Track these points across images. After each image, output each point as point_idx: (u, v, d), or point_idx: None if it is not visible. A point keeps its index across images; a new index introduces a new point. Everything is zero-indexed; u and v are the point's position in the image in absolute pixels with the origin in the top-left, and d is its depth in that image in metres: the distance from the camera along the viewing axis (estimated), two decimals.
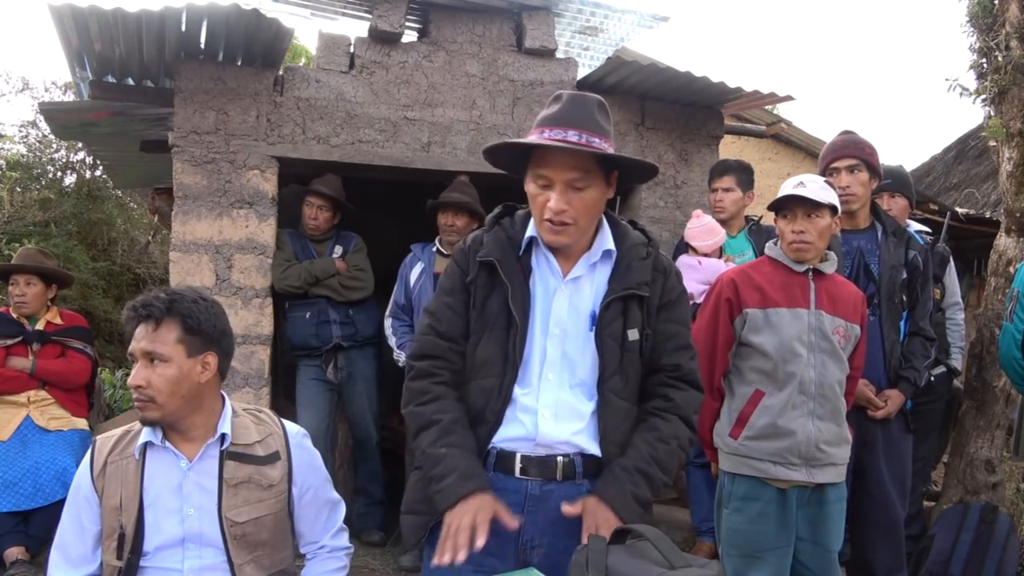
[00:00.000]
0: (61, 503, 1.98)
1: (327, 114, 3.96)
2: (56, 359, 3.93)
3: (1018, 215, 3.70)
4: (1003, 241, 3.81)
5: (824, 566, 2.49)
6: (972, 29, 3.85)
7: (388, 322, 3.97)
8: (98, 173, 9.54)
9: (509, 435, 1.75)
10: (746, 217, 3.94)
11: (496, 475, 1.75)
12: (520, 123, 4.17)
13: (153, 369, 1.79)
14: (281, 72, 3.95)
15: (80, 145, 8.74)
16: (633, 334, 1.77)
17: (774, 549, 2.43)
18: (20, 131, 9.79)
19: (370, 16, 4.04)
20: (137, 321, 1.82)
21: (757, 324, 2.45)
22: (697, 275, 3.59)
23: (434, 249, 3.95)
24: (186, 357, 1.82)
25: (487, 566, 1.69)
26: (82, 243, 9.06)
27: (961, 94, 3.94)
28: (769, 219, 3.26)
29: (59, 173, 9.73)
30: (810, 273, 2.49)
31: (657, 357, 1.81)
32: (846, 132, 3.05)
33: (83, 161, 9.65)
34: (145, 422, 1.85)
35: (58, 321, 4.02)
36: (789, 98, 4.43)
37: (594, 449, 1.76)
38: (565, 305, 1.78)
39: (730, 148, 6.95)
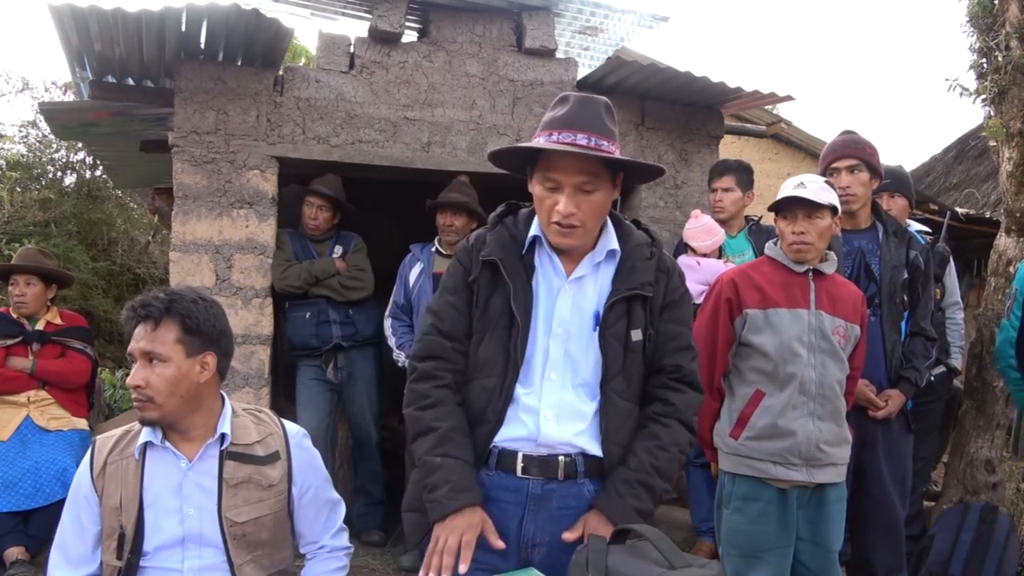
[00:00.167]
0: (61, 503, 1.98)
1: (327, 114, 3.96)
2: (56, 359, 3.93)
3: (1018, 215, 3.70)
4: (1003, 241, 3.81)
5: (824, 566, 2.49)
6: (972, 29, 3.85)
7: (388, 322, 3.97)
8: (98, 173, 9.54)
9: (511, 435, 1.75)
10: (746, 217, 3.94)
11: (497, 474, 1.76)
12: (520, 123, 4.17)
13: (152, 369, 1.79)
14: (281, 72, 3.95)
15: (80, 145, 8.74)
16: (636, 334, 1.77)
17: (774, 549, 2.43)
18: (20, 131, 9.80)
19: (370, 16, 4.04)
20: (136, 321, 1.82)
21: (757, 324, 2.45)
22: (696, 275, 3.58)
23: (433, 249, 3.95)
24: (185, 357, 1.81)
25: (488, 565, 1.70)
26: (82, 243, 9.06)
27: (961, 94, 3.94)
28: (769, 219, 3.26)
29: (59, 173, 9.73)
30: (810, 273, 2.49)
31: (659, 357, 1.81)
32: (847, 132, 3.05)
33: (83, 161, 9.66)
34: (144, 422, 1.85)
35: (58, 321, 4.02)
36: (789, 98, 4.43)
37: (596, 450, 1.76)
38: (568, 305, 1.78)
39: (730, 148, 6.95)
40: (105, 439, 1.93)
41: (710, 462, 2.74)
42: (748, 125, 6.56)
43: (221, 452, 1.89)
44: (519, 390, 1.75)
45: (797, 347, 2.42)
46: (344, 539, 2.10)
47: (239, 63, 3.87)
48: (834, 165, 2.95)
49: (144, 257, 10.35)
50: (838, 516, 2.51)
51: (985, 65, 3.80)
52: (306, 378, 4.06)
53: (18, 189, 8.91)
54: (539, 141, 1.71)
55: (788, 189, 2.45)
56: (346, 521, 2.14)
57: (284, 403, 4.18)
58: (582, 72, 4.42)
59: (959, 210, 5.88)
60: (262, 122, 3.88)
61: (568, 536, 1.71)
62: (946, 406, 3.98)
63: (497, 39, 4.19)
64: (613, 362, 1.76)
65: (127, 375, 1.80)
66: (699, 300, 3.42)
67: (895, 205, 3.65)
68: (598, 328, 1.76)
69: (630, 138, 4.37)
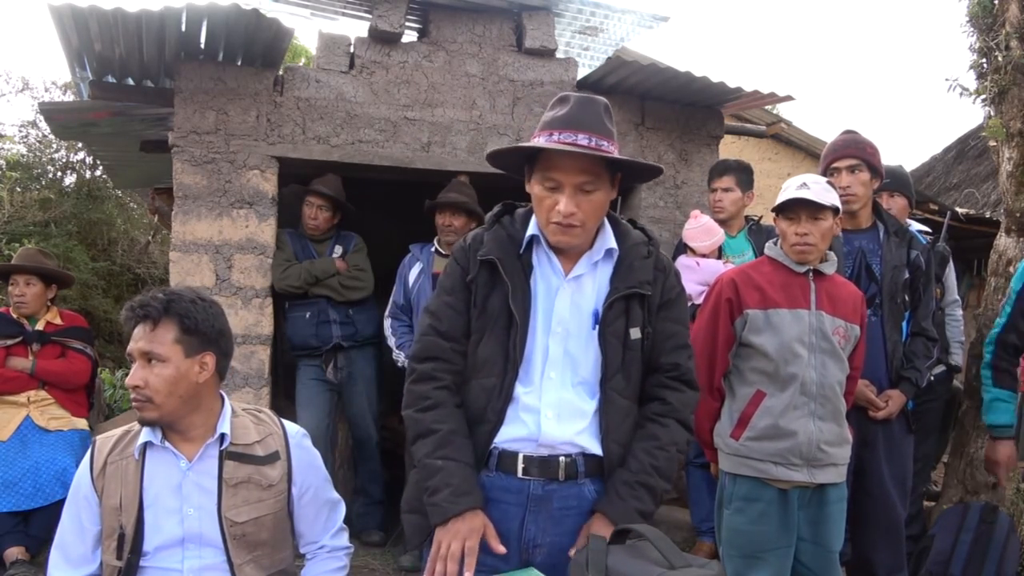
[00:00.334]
0: (61, 503, 1.98)
1: (327, 114, 3.96)
2: (56, 359, 3.93)
3: (1018, 215, 3.70)
4: (1003, 241, 3.81)
5: (825, 566, 2.49)
6: (972, 29, 3.85)
7: (387, 322, 3.97)
8: (98, 173, 9.55)
9: (511, 435, 1.75)
10: (746, 217, 3.94)
11: (498, 475, 1.76)
12: (520, 123, 4.17)
13: (151, 369, 1.79)
14: (281, 72, 3.95)
15: (80, 145, 8.74)
16: (635, 333, 1.78)
17: (775, 550, 2.42)
18: (20, 131, 9.81)
19: (370, 16, 4.04)
20: (135, 321, 1.82)
21: (758, 325, 2.45)
22: (695, 276, 3.58)
23: (432, 249, 3.95)
24: (183, 357, 1.81)
25: (488, 565, 1.70)
26: (82, 243, 9.07)
27: (961, 94, 3.94)
28: (769, 219, 3.26)
29: (59, 173, 9.74)
30: (810, 274, 2.49)
31: (656, 356, 1.82)
32: (847, 132, 3.04)
33: (83, 161, 9.66)
34: (143, 422, 1.85)
35: (58, 321, 4.02)
36: (789, 98, 4.43)
37: (596, 449, 1.77)
38: (567, 303, 1.78)
39: (730, 148, 6.95)
40: (105, 439, 1.93)
41: (710, 462, 2.74)
42: (748, 125, 6.56)
43: (221, 452, 1.89)
44: (519, 389, 1.75)
45: (798, 347, 2.41)
46: (344, 539, 2.10)
47: (239, 63, 3.87)
48: (835, 165, 2.95)
49: (144, 257, 10.36)
50: (839, 516, 2.51)
51: (985, 65, 3.79)
52: (306, 378, 4.06)
53: (18, 189, 8.91)
54: (539, 141, 1.71)
55: (791, 190, 2.44)
56: (346, 521, 2.14)
57: (284, 403, 4.18)
58: (582, 72, 4.42)
59: (959, 210, 5.88)
60: (262, 122, 3.88)
61: (573, 553, 1.70)
62: (946, 406, 3.99)
63: (497, 39, 4.19)
64: (613, 360, 1.76)
65: (127, 375, 1.80)
66: (698, 300, 3.43)
67: (895, 204, 3.65)
68: (598, 326, 1.77)
69: (630, 138, 4.37)
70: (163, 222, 6.76)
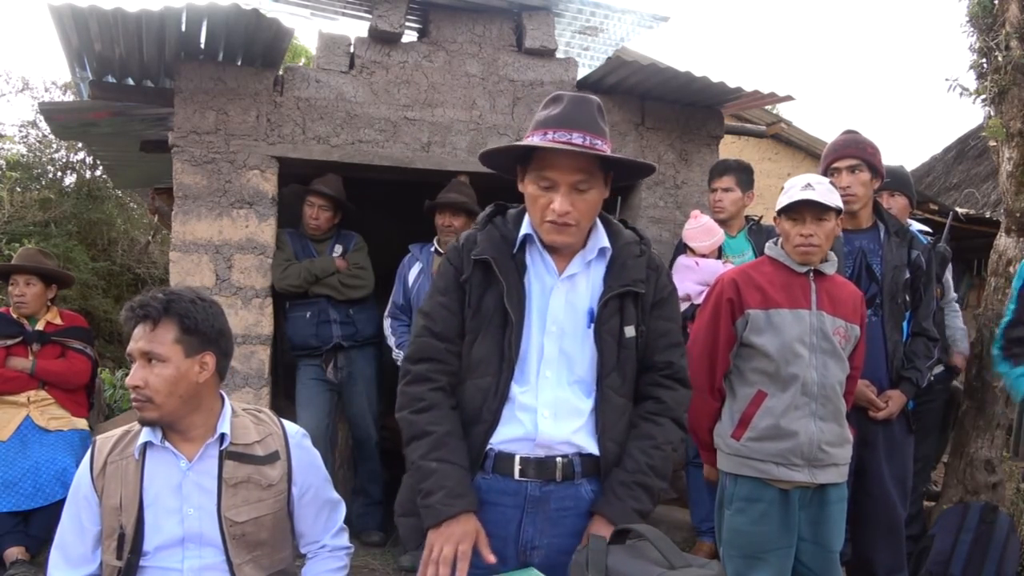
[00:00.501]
0: (61, 503, 1.98)
1: (327, 114, 3.95)
2: (56, 359, 3.93)
3: (1018, 215, 3.70)
4: (1003, 241, 3.81)
5: (825, 566, 2.49)
6: (972, 29, 3.85)
7: (387, 322, 3.97)
8: (98, 173, 9.55)
9: (508, 436, 1.75)
10: (746, 217, 3.93)
11: (495, 477, 1.76)
12: (520, 123, 4.17)
13: (151, 369, 1.79)
14: (281, 72, 3.95)
15: (80, 145, 8.75)
16: (630, 331, 1.78)
17: (776, 550, 2.42)
18: (20, 131, 9.81)
19: (370, 16, 4.04)
20: (135, 321, 1.82)
21: (759, 325, 2.45)
22: (695, 276, 3.58)
23: (432, 249, 3.95)
24: (183, 357, 1.81)
25: (486, 568, 1.69)
26: (82, 243, 9.07)
27: (961, 94, 3.94)
28: (769, 219, 3.26)
29: (59, 173, 9.74)
30: (811, 274, 2.49)
31: (650, 354, 1.83)
32: (848, 132, 3.04)
33: (83, 161, 9.67)
34: (143, 422, 1.85)
35: (58, 321, 4.02)
36: (789, 98, 4.43)
37: (592, 447, 1.77)
38: (562, 302, 1.78)
39: (730, 148, 6.95)
40: (105, 439, 1.93)
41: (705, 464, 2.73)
42: (748, 125, 6.56)
43: (221, 452, 1.89)
44: (515, 388, 1.75)
45: (799, 348, 2.41)
46: (344, 539, 2.09)
47: (239, 63, 3.87)
48: (835, 165, 2.95)
49: (144, 257, 10.36)
50: (839, 516, 2.51)
51: (985, 65, 3.79)
52: (306, 378, 4.06)
53: (18, 189, 8.91)
54: (533, 140, 1.71)
55: (796, 190, 2.43)
56: (346, 521, 2.14)
57: (284, 403, 4.18)
58: (582, 72, 4.42)
59: (959, 210, 5.88)
60: (262, 122, 3.88)
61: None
62: (945, 406, 3.99)
63: (497, 39, 4.19)
64: (608, 358, 1.77)
65: (127, 375, 1.80)
66: (698, 300, 3.43)
67: (895, 204, 3.65)
68: (593, 325, 1.77)
69: (630, 138, 4.37)
70: (163, 222, 6.76)
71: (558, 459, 1.75)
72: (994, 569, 3.34)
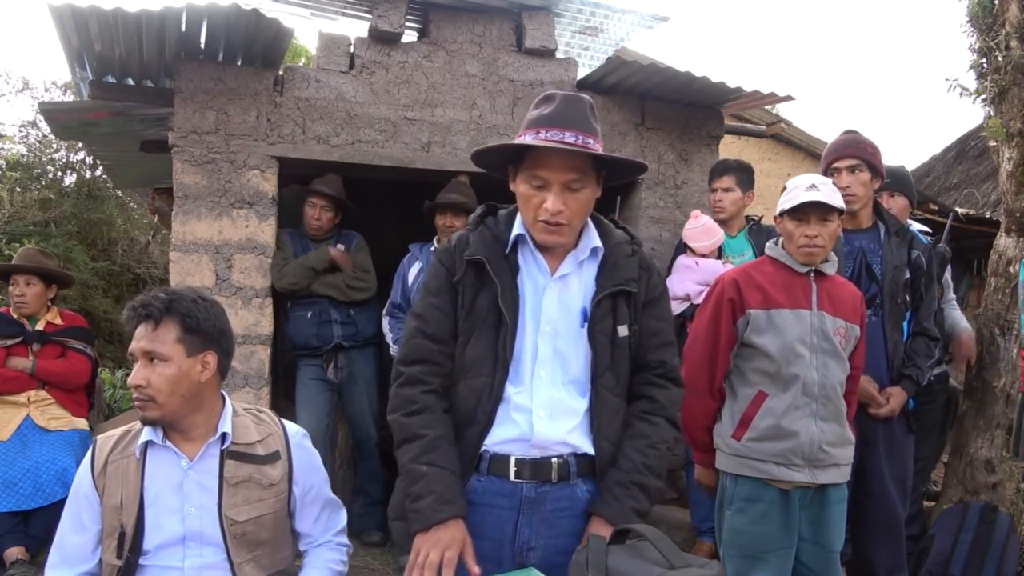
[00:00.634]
0: (61, 503, 1.99)
1: (327, 114, 3.95)
2: (56, 359, 3.93)
3: (1018, 215, 3.70)
4: (1003, 241, 3.81)
5: (825, 566, 2.49)
6: (972, 29, 3.84)
7: (386, 320, 3.97)
8: (98, 173, 9.55)
9: (503, 437, 1.74)
10: (746, 217, 3.94)
11: (490, 479, 1.75)
12: (520, 123, 4.15)
13: (153, 368, 1.79)
14: (281, 72, 3.95)
15: (80, 145, 8.75)
16: (623, 330, 1.78)
17: (776, 550, 2.42)
18: (20, 131, 9.81)
19: (370, 16, 4.04)
20: (137, 321, 1.82)
21: (760, 325, 2.44)
22: (695, 276, 3.58)
23: (432, 249, 3.95)
24: (185, 356, 1.82)
25: (483, 571, 1.69)
26: (82, 243, 9.07)
27: (961, 94, 3.93)
28: (769, 219, 3.25)
29: (59, 173, 9.74)
30: (812, 274, 2.49)
31: (643, 353, 1.83)
32: (848, 132, 3.04)
33: (83, 161, 9.67)
34: (145, 421, 1.85)
35: (58, 321, 4.02)
36: (789, 98, 4.43)
37: (587, 447, 1.77)
38: (555, 302, 1.78)
39: (730, 148, 6.95)
40: (106, 439, 1.93)
41: (695, 464, 2.70)
42: (748, 125, 6.56)
43: (222, 451, 1.89)
44: (509, 389, 1.75)
45: (800, 348, 2.41)
46: (345, 539, 2.10)
47: (239, 63, 3.87)
48: (835, 165, 2.95)
49: (144, 257, 10.36)
50: (839, 516, 2.51)
51: (985, 65, 3.79)
52: (306, 378, 4.06)
53: (18, 189, 8.91)
54: (525, 139, 1.70)
55: (800, 191, 2.42)
56: (346, 521, 2.14)
57: (284, 403, 4.18)
58: (582, 72, 4.42)
59: (959, 210, 5.88)
60: (262, 122, 3.88)
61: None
62: (943, 406, 3.98)
63: (497, 39, 4.19)
64: (603, 358, 1.77)
65: (127, 375, 1.81)
66: (698, 300, 3.43)
67: (895, 205, 3.64)
68: (587, 324, 1.77)
69: (630, 138, 4.37)
70: (163, 222, 6.76)
71: (553, 460, 1.75)
72: (994, 569, 3.34)
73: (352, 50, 4.01)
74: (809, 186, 2.42)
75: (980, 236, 5.91)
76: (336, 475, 4.32)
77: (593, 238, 1.81)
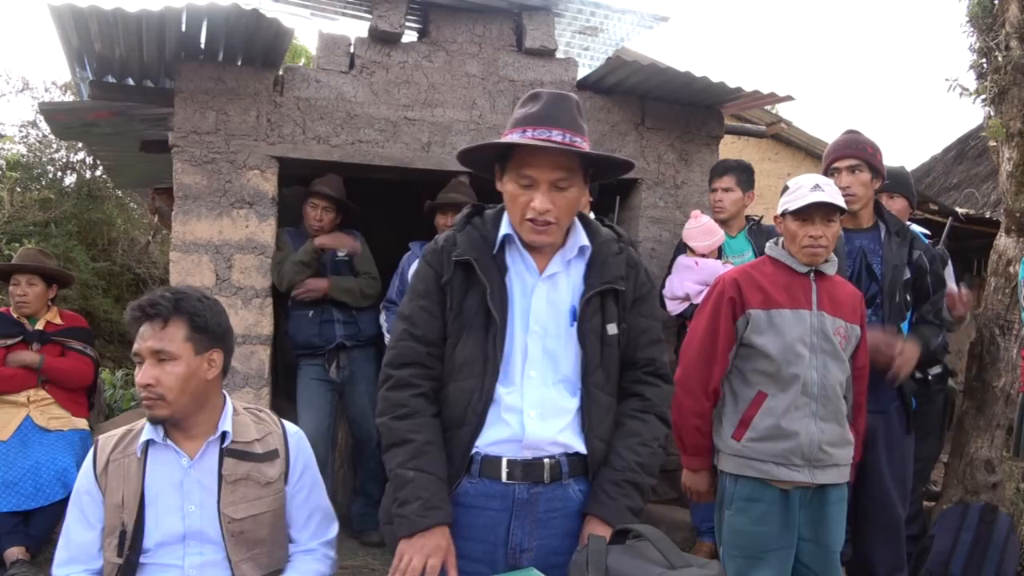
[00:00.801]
0: (61, 503, 1.99)
1: (327, 114, 3.96)
2: (60, 358, 3.94)
3: (1018, 215, 3.70)
4: (1003, 241, 3.81)
5: (825, 566, 2.49)
6: (972, 29, 3.84)
7: (383, 315, 3.98)
8: (98, 173, 9.54)
9: (494, 438, 1.73)
10: (746, 217, 3.94)
11: (481, 481, 1.74)
12: None
13: (162, 367, 1.80)
14: (281, 72, 3.96)
15: (80, 145, 8.74)
16: (612, 328, 1.78)
17: (777, 550, 2.42)
18: (20, 131, 9.80)
19: (370, 16, 4.04)
20: (143, 320, 1.82)
21: (760, 325, 2.44)
22: (694, 276, 3.58)
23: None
24: (194, 355, 1.83)
25: (476, 573, 1.69)
26: (82, 243, 9.05)
27: (961, 94, 3.93)
28: (769, 219, 3.25)
29: (59, 173, 9.73)
30: (812, 274, 2.49)
31: (632, 351, 1.83)
32: (849, 132, 3.04)
33: (83, 161, 9.66)
34: (154, 420, 1.86)
35: (58, 321, 4.02)
36: (789, 98, 4.43)
37: (579, 446, 1.76)
38: (543, 302, 1.77)
39: (730, 148, 6.95)
40: (107, 438, 1.94)
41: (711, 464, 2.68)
42: (748, 125, 6.56)
43: (221, 450, 1.90)
44: (500, 390, 1.74)
45: (800, 348, 2.41)
46: (332, 552, 2.07)
47: (239, 63, 3.87)
48: (835, 165, 2.95)
49: (144, 257, 10.35)
50: (839, 516, 2.51)
51: (985, 65, 3.79)
52: (307, 378, 4.06)
53: (18, 189, 8.90)
54: (512, 138, 1.69)
55: (805, 191, 2.42)
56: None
57: (284, 403, 4.18)
58: (582, 72, 4.42)
59: (959, 210, 5.88)
60: (262, 122, 3.88)
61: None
62: (943, 406, 3.99)
63: (497, 39, 4.19)
64: (592, 356, 1.77)
65: (127, 375, 1.81)
66: (698, 300, 3.43)
67: (895, 206, 3.64)
68: (576, 323, 1.76)
69: (630, 138, 4.37)
70: (163, 222, 6.76)
71: (545, 460, 1.74)
72: (994, 569, 3.34)
73: (352, 50, 4.01)
74: (814, 186, 2.42)
75: (980, 236, 5.92)
76: (336, 475, 4.32)
77: (580, 237, 1.81)
